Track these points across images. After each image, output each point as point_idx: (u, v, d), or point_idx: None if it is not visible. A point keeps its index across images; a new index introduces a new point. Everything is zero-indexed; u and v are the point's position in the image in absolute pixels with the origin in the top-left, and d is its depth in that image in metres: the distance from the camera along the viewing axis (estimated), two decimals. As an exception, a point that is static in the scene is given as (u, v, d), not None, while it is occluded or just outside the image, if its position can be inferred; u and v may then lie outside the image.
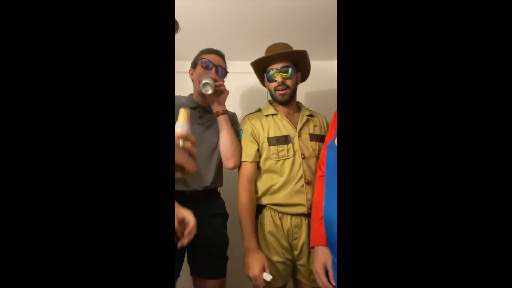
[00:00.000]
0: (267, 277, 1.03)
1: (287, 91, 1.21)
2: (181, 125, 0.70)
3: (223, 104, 1.18)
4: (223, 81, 1.22)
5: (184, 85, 1.41)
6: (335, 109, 1.12)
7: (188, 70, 1.29)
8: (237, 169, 1.21)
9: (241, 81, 1.66)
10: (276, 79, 1.21)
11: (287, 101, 1.23)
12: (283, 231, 1.12)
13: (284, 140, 1.18)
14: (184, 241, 0.85)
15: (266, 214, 1.15)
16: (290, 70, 1.21)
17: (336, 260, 0.87)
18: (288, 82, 1.21)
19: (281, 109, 1.26)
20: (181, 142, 0.64)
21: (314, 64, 1.71)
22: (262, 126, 1.21)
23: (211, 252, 1.15)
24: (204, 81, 1.09)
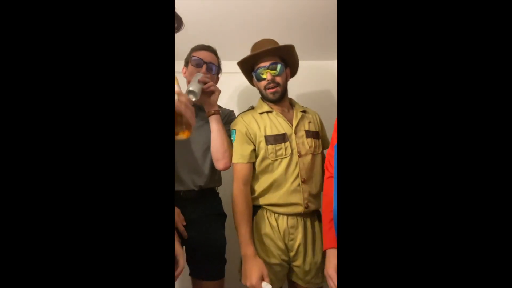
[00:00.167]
0: (266, 286, 0.97)
1: (278, 88, 1.16)
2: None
3: (214, 104, 1.14)
4: (215, 78, 1.19)
5: (183, 85, 1.40)
6: (335, 109, 1.12)
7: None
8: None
9: (239, 80, 1.66)
10: (265, 77, 1.16)
11: (278, 99, 1.18)
12: (279, 232, 1.10)
13: (282, 138, 1.14)
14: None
15: (262, 215, 1.12)
16: (278, 66, 1.16)
17: None
18: (278, 79, 1.16)
19: (275, 106, 1.21)
20: (176, 96, 0.67)
21: (314, 64, 1.72)
22: (258, 125, 1.16)
23: (209, 253, 1.14)
24: (189, 89, 1.04)
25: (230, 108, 1.34)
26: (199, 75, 1.10)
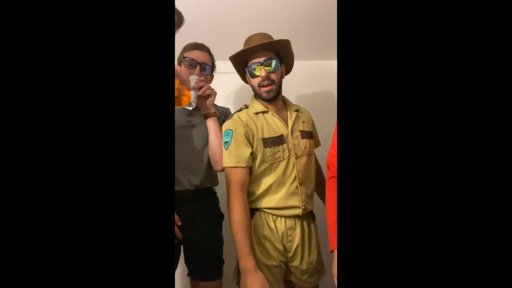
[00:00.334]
0: None
1: (273, 87, 1.09)
2: None
3: (211, 107, 1.13)
4: (209, 78, 1.18)
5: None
6: (335, 109, 1.11)
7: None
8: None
9: (236, 80, 1.65)
10: (259, 73, 1.08)
11: (273, 98, 1.11)
12: (278, 234, 1.08)
13: (280, 140, 1.09)
14: None
15: (260, 217, 1.09)
16: (273, 62, 1.08)
17: None
18: (273, 76, 1.09)
19: (269, 105, 1.14)
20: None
21: (314, 64, 1.72)
22: (256, 126, 1.09)
23: (205, 254, 1.14)
24: None
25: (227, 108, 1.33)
26: (194, 78, 1.09)
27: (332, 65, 1.70)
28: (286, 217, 1.09)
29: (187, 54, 1.18)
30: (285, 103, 1.21)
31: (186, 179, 1.14)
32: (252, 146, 1.07)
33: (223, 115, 1.24)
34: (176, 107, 1.01)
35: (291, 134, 1.12)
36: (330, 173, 1.05)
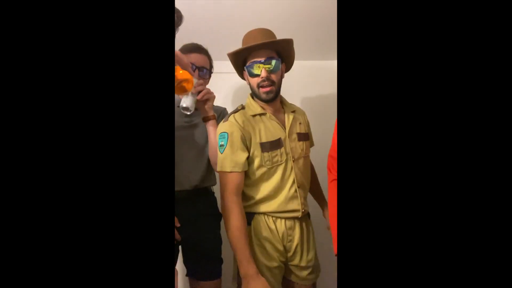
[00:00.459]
0: None
1: (273, 88, 1.05)
2: None
3: (210, 110, 1.12)
4: (207, 79, 1.18)
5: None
6: (335, 109, 1.10)
7: None
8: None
9: (235, 80, 1.65)
10: (259, 73, 1.03)
11: (272, 99, 1.07)
12: (278, 235, 1.07)
13: (277, 144, 1.06)
14: None
15: (259, 219, 1.07)
16: (274, 62, 1.04)
17: None
18: (273, 77, 1.04)
19: (266, 106, 1.10)
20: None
21: (314, 64, 1.72)
22: (253, 129, 1.05)
23: (204, 253, 1.14)
24: (182, 105, 1.03)
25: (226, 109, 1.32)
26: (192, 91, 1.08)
27: (332, 65, 1.70)
28: (285, 218, 1.09)
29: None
30: (283, 103, 1.18)
31: (185, 178, 1.14)
32: (248, 150, 1.04)
33: (220, 115, 1.24)
34: (181, 95, 1.02)
35: (289, 137, 1.10)
36: (331, 175, 1.05)
